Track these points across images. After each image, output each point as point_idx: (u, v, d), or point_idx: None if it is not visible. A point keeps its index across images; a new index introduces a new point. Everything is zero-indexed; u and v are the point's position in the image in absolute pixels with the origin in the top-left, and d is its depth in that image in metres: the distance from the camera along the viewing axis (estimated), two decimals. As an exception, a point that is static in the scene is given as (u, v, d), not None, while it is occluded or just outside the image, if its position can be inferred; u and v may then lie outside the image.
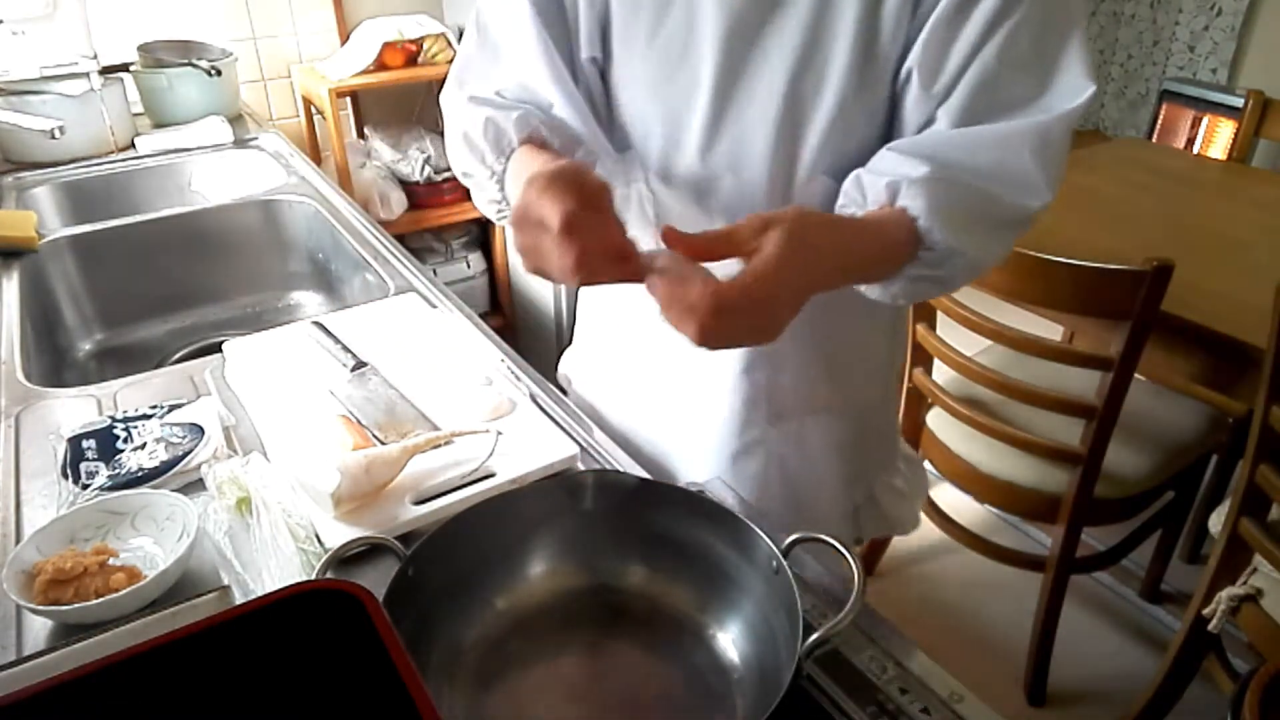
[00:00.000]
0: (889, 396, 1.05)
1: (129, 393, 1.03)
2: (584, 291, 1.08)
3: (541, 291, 2.46)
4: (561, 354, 1.15)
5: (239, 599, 0.71)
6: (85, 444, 0.89)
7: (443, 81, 0.91)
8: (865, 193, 0.74)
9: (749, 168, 0.81)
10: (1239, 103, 2.44)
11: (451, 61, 0.97)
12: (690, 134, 0.82)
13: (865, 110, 0.77)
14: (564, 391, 1.06)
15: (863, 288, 0.78)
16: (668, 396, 0.98)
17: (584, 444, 0.92)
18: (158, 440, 0.89)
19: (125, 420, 0.93)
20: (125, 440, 0.90)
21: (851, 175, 0.76)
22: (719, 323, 0.59)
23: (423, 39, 2.36)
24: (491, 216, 0.92)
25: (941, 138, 0.74)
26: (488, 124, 0.82)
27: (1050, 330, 1.83)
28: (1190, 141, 3.01)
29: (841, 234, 0.71)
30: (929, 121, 0.75)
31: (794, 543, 0.66)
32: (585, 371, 1.10)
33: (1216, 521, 1.43)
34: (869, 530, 1.05)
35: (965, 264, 0.75)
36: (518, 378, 1.00)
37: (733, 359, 0.91)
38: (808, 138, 0.78)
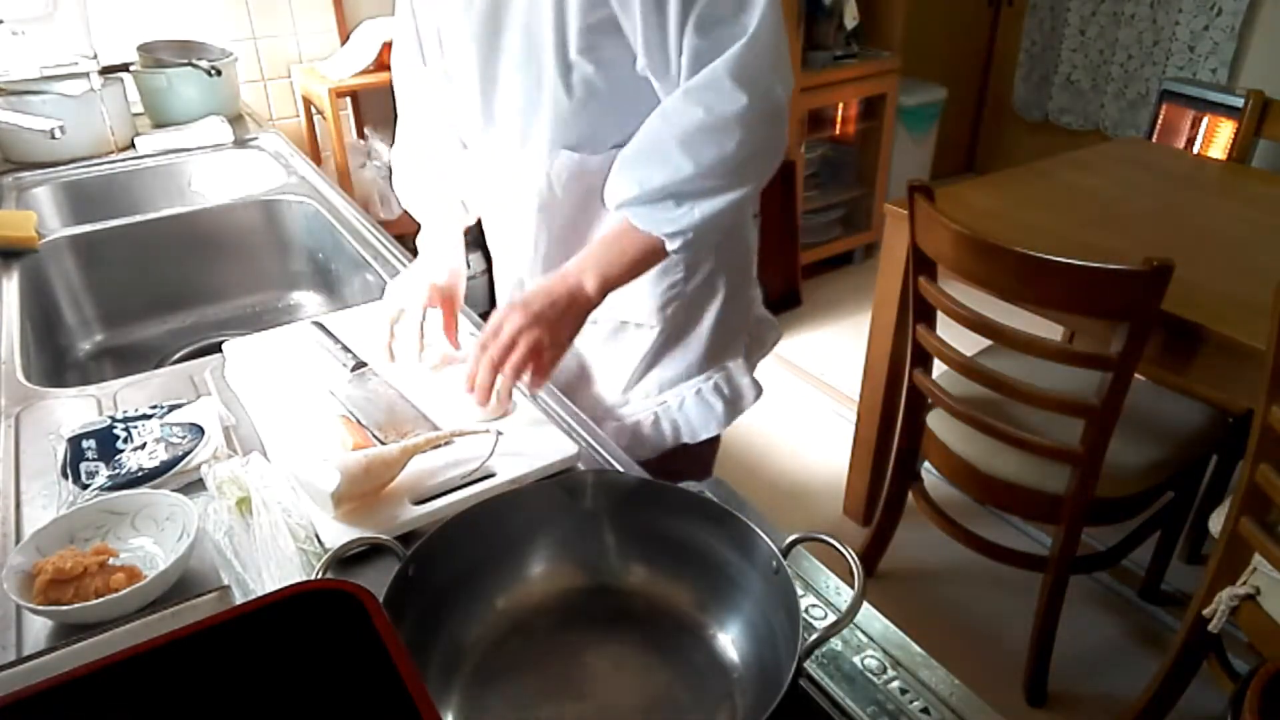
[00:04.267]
0: (702, 317, 1.14)
1: (129, 393, 1.03)
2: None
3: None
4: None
5: (239, 599, 0.71)
6: (85, 444, 0.89)
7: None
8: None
9: (511, 148, 1.02)
10: (1239, 103, 2.44)
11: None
12: (474, 121, 1.05)
13: (586, 109, 0.95)
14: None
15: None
16: None
17: (584, 444, 0.92)
18: (158, 440, 0.89)
19: (125, 420, 0.93)
20: (125, 440, 0.90)
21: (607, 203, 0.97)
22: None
23: (423, 39, 2.36)
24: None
25: (655, 125, 0.92)
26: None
27: (1050, 330, 1.83)
28: (1190, 141, 3.01)
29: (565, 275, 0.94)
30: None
31: (794, 542, 0.66)
32: None
33: (1216, 521, 1.43)
34: (679, 432, 1.18)
35: (710, 225, 0.93)
36: (518, 378, 1.00)
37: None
38: (543, 123, 0.97)
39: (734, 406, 1.18)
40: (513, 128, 1.01)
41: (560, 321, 0.91)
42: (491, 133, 1.04)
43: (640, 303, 1.09)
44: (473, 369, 0.89)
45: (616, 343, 1.13)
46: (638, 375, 1.14)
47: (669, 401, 1.16)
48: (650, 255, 0.95)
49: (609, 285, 0.94)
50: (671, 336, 1.12)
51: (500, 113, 1.01)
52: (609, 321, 1.11)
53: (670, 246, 0.93)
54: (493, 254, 1.24)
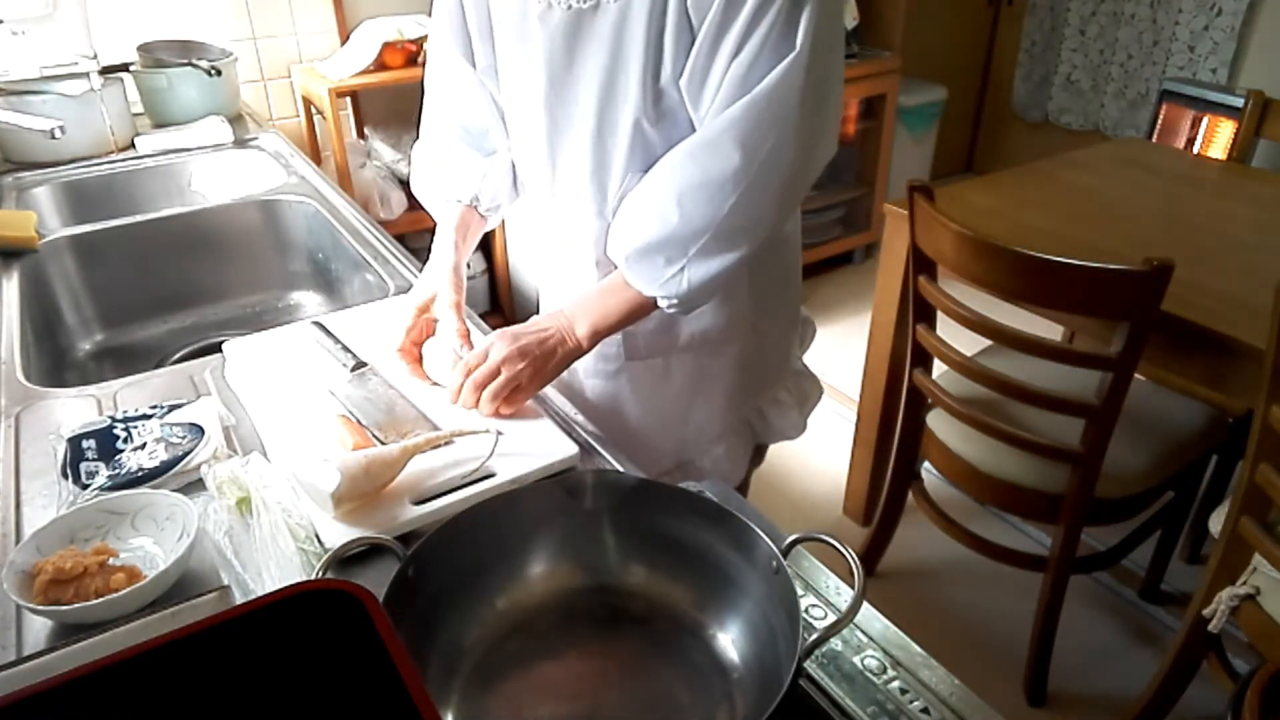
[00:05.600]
0: (766, 331, 1.15)
1: (129, 393, 1.03)
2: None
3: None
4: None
5: (239, 599, 0.71)
6: (85, 444, 0.89)
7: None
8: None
9: (576, 172, 1.00)
10: (1239, 103, 2.44)
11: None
12: (537, 139, 1.02)
13: (664, 130, 0.93)
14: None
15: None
16: None
17: (584, 444, 0.92)
18: (158, 440, 0.89)
19: (125, 420, 0.93)
20: (125, 440, 0.90)
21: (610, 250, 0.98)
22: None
23: (422, 39, 2.36)
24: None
25: (657, 175, 0.92)
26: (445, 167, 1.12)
27: (1050, 330, 1.83)
28: (1190, 141, 3.01)
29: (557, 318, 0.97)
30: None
31: (794, 542, 0.66)
32: None
33: (1216, 521, 1.43)
34: (762, 437, 1.23)
35: (700, 290, 0.93)
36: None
37: None
38: (617, 147, 0.95)
39: (804, 408, 1.21)
40: (585, 147, 0.98)
41: (543, 360, 0.93)
42: (561, 150, 1.01)
43: (709, 328, 1.09)
44: (455, 385, 0.93)
45: (690, 370, 1.12)
46: (717, 397, 1.14)
47: (749, 417, 1.17)
48: (643, 309, 0.96)
49: (600, 334, 0.96)
50: (741, 354, 1.12)
51: (574, 133, 0.98)
52: (686, 351, 1.11)
53: (661, 305, 0.95)
54: (544, 272, 1.22)
